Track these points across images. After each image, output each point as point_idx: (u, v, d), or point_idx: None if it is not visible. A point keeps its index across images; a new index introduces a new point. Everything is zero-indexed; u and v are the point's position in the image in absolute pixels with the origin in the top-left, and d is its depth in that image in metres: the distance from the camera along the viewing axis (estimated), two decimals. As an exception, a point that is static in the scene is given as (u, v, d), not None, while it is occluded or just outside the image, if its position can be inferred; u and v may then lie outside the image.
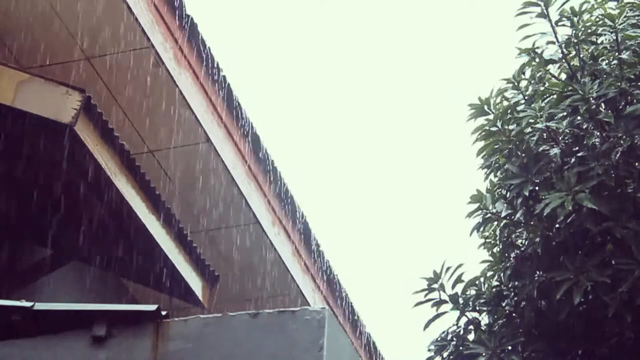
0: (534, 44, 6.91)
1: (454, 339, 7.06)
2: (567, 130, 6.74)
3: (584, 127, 6.74)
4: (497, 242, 7.17)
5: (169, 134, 7.46)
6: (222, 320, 3.53)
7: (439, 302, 7.09)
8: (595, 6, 6.94)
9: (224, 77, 7.62)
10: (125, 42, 6.84)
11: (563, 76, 7.04)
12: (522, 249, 6.99)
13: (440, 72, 33.47)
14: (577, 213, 6.44)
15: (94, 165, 6.09)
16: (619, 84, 6.57)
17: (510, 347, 6.72)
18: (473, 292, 7.15)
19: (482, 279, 7.19)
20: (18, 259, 6.89)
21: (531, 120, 6.67)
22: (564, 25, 6.83)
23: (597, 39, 6.83)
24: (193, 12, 7.22)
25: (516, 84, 7.01)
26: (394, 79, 33.61)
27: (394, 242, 31.89)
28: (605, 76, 6.66)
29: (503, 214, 6.97)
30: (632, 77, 6.64)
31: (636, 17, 6.74)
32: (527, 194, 6.58)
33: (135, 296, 8.22)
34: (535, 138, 6.71)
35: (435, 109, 32.85)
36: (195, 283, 7.24)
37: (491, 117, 6.99)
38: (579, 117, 6.75)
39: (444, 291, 7.09)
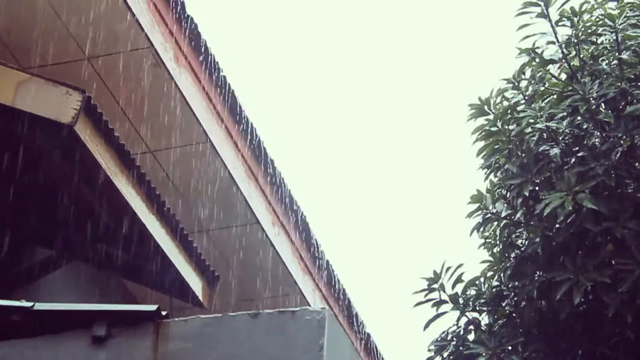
0: (534, 44, 6.91)
1: (454, 339, 7.06)
2: (567, 130, 6.74)
3: (584, 127, 6.74)
4: (497, 242, 7.17)
5: (169, 134, 7.46)
6: (222, 320, 3.53)
7: (439, 302, 7.09)
8: (595, 6, 6.94)
9: (224, 77, 7.62)
10: (125, 42, 6.84)
11: (563, 76, 7.04)
12: (522, 249, 6.99)
13: (440, 72, 33.48)
14: (577, 213, 6.44)
15: (94, 165, 6.09)
16: (619, 84, 6.57)
17: (510, 347, 6.72)
18: (473, 292, 7.14)
19: (482, 279, 7.19)
20: (18, 259, 6.89)
21: (531, 120, 6.67)
22: (564, 25, 6.83)
23: (597, 39, 6.83)
24: (193, 12, 7.22)
25: (516, 84, 7.01)
26: (394, 79, 33.62)
27: (394, 242, 31.90)
28: (605, 76, 6.66)
29: (503, 214, 6.97)
30: (632, 77, 6.64)
31: (636, 17, 6.74)
32: (527, 194, 6.58)
33: (135, 296, 8.22)
34: (535, 138, 6.71)
35: (435, 109, 32.86)
36: (195, 283, 7.24)
37: (491, 117, 6.99)
38: (579, 117, 6.75)
39: (444, 291, 7.09)
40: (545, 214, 6.36)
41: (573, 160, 6.62)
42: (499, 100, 7.04)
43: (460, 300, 7.08)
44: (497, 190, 7.03)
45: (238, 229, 8.30)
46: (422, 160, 33.74)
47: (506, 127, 6.89)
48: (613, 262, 6.41)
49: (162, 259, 6.89)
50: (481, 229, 7.10)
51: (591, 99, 6.58)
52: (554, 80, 7.05)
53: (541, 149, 6.71)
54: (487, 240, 7.28)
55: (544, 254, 6.66)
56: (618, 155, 6.50)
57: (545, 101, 6.91)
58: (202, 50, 7.38)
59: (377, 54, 31.45)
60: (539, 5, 6.80)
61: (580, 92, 6.59)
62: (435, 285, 7.08)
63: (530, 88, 7.03)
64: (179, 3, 7.12)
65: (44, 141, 6.04)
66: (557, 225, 6.61)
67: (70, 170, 6.23)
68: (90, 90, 6.07)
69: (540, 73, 7.03)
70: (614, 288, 6.30)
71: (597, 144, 6.65)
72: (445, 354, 7.01)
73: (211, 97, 7.53)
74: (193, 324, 3.55)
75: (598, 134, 6.69)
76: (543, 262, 6.68)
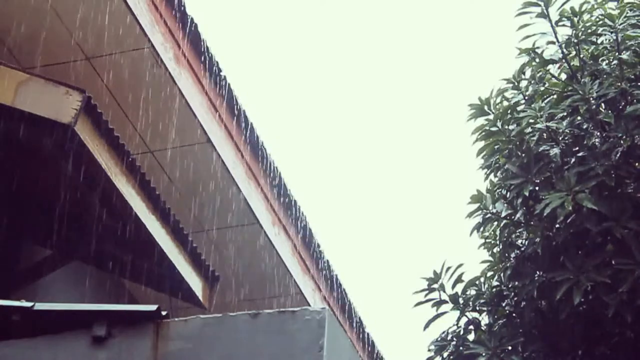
0: (534, 44, 6.91)
1: (454, 339, 7.06)
2: (567, 130, 6.74)
3: (584, 127, 6.74)
4: (497, 242, 7.17)
5: (169, 134, 7.46)
6: (222, 320, 3.53)
7: (439, 302, 7.09)
8: (595, 6, 6.94)
9: (224, 77, 7.62)
10: (125, 42, 6.84)
11: (563, 76, 7.04)
12: (522, 249, 6.99)
13: (440, 72, 33.48)
14: (577, 213, 6.44)
15: (94, 165, 6.09)
16: (619, 84, 6.57)
17: (510, 347, 6.72)
18: (473, 292, 7.14)
19: (482, 279, 7.19)
20: (18, 259, 6.89)
21: (531, 120, 6.67)
22: (564, 25, 6.83)
23: (597, 39, 6.83)
24: (193, 12, 7.22)
25: (516, 84, 7.01)
26: (394, 79, 33.62)
27: (394, 242, 31.90)
28: (605, 76, 6.66)
29: (503, 214, 6.97)
30: (632, 77, 6.64)
31: (636, 17, 6.74)
32: (527, 194, 6.58)
33: (135, 296, 8.22)
34: (535, 138, 6.71)
35: (435, 109, 32.85)
36: (195, 283, 7.24)
37: (491, 117, 6.99)
38: (579, 117, 6.75)
39: (444, 291, 7.09)
40: (545, 214, 6.36)
41: (573, 160, 6.62)
42: (499, 100, 7.04)
43: (460, 300, 7.08)
44: (497, 190, 7.03)
45: (238, 229, 8.30)
46: (422, 160, 33.75)
47: (506, 127, 6.89)
48: (613, 262, 6.41)
49: (162, 259, 6.89)
50: (481, 229, 7.10)
51: (591, 99, 6.57)
52: (554, 80, 7.05)
53: (541, 149, 6.71)
54: (487, 240, 7.27)
55: (544, 254, 6.66)
56: (618, 155, 6.49)
57: (545, 101, 6.91)
58: (202, 50, 7.38)
59: (377, 54, 31.45)
60: (539, 5, 6.80)
61: (580, 92, 6.59)
62: (435, 285, 7.08)
63: (530, 88, 7.03)
64: (179, 3, 7.12)
65: (44, 141, 6.04)
66: (557, 225, 6.60)
67: (70, 170, 6.23)
68: (90, 90, 6.07)
69: (540, 73, 7.03)
70: (614, 288, 6.29)
71: (597, 144, 6.65)
72: (445, 354, 7.01)
73: (211, 97, 7.53)
74: (193, 324, 3.54)
75: (598, 134, 6.69)
76: (543, 262, 6.68)
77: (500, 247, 7.13)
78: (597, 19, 6.81)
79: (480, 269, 7.23)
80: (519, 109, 6.91)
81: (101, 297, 7.54)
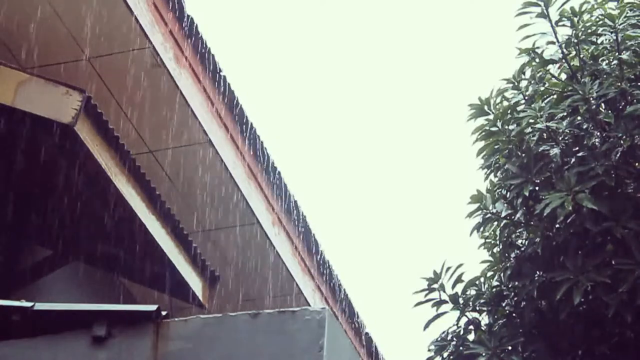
0: (534, 44, 6.91)
1: (454, 339, 7.06)
2: (567, 130, 6.74)
3: (584, 127, 6.74)
4: (497, 242, 7.17)
5: (169, 134, 7.46)
6: (222, 320, 3.52)
7: (439, 302, 7.09)
8: (595, 6, 6.94)
9: (224, 77, 7.62)
10: (125, 42, 6.84)
11: (563, 76, 7.04)
12: (522, 249, 7.00)
13: (440, 72, 33.48)
14: (577, 213, 6.44)
15: (94, 165, 6.09)
16: (619, 84, 6.57)
17: (510, 347, 6.72)
18: (473, 292, 7.15)
19: (482, 279, 7.19)
20: (18, 259, 6.89)
21: (531, 120, 6.67)
22: (564, 25, 6.83)
23: (597, 39, 6.83)
24: (193, 12, 7.22)
25: (516, 84, 7.01)
26: (394, 79, 33.62)
27: (393, 242, 31.91)
28: (605, 76, 6.66)
29: (503, 214, 6.97)
30: (632, 77, 6.65)
31: (636, 17, 6.74)
32: (527, 194, 6.58)
33: (135, 296, 8.22)
34: (535, 138, 6.72)
35: (435, 110, 32.86)
36: (195, 283, 7.24)
37: (491, 117, 6.99)
38: (579, 117, 6.75)
39: (444, 291, 7.10)
40: (545, 214, 6.36)
41: (573, 160, 6.62)
42: (499, 100, 7.04)
43: (460, 300, 7.08)
44: (497, 190, 7.03)
45: (238, 229, 8.30)
46: (422, 160, 33.75)
47: (506, 127, 6.89)
48: (613, 262, 6.41)
49: (162, 259, 6.89)
50: (481, 229, 7.10)
51: (591, 99, 6.58)
52: (554, 80, 7.05)
53: (541, 149, 6.71)
54: (487, 240, 7.28)
55: (544, 254, 6.66)
56: (618, 155, 6.50)
57: (545, 101, 6.92)
58: (202, 50, 7.38)
59: (377, 54, 31.45)
60: (539, 5, 6.80)
61: (580, 92, 6.59)
62: (435, 285, 7.09)
63: (530, 88, 7.03)
64: (179, 3, 7.12)
65: (44, 141, 6.04)
66: (557, 225, 6.61)
67: (70, 170, 6.23)
68: (90, 90, 6.07)
69: (540, 73, 7.03)
70: (614, 288, 6.30)
71: (597, 144, 6.65)
72: (445, 354, 7.01)
73: (211, 97, 7.53)
74: (193, 324, 3.54)
75: (598, 134, 6.69)
76: (543, 262, 6.68)
77: (500, 247, 7.13)
78: (597, 19, 6.81)
79: (480, 269, 7.23)
80: (519, 109, 6.91)
81: (101, 297, 7.54)
